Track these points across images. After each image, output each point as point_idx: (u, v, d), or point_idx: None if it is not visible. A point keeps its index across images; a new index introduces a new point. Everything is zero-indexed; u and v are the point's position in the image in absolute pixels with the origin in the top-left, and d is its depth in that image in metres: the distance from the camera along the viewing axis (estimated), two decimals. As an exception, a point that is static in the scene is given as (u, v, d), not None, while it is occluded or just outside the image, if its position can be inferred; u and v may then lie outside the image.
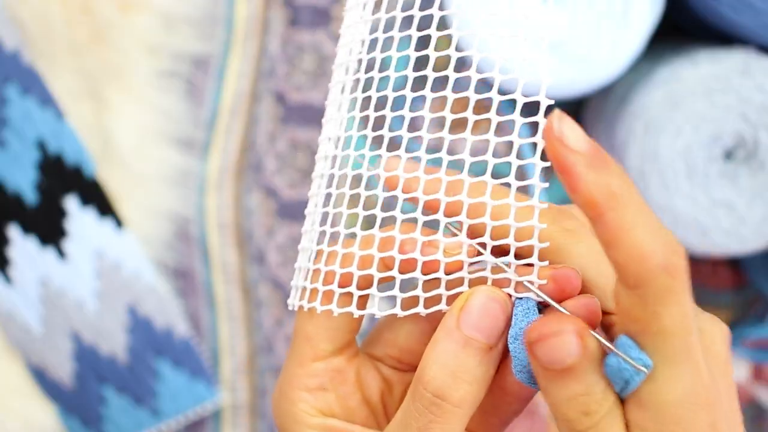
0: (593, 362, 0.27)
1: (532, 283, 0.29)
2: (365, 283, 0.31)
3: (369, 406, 0.34)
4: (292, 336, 0.33)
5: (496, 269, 0.30)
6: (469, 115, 0.30)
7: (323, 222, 0.33)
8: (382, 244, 0.31)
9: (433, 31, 0.31)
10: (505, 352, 0.30)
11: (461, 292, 0.30)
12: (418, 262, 0.30)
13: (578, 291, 0.29)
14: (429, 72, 0.31)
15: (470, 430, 0.32)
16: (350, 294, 0.31)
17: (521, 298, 0.29)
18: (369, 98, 0.32)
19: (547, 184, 0.28)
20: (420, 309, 0.31)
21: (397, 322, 0.34)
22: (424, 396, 0.29)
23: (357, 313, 0.31)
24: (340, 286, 0.31)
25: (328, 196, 0.33)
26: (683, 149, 0.54)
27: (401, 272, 0.30)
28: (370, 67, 0.32)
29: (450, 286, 0.31)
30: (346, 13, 0.34)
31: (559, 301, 0.29)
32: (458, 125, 0.33)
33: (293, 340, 0.33)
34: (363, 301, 0.32)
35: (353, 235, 0.32)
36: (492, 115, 0.30)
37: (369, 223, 0.32)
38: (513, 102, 0.30)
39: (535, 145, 0.28)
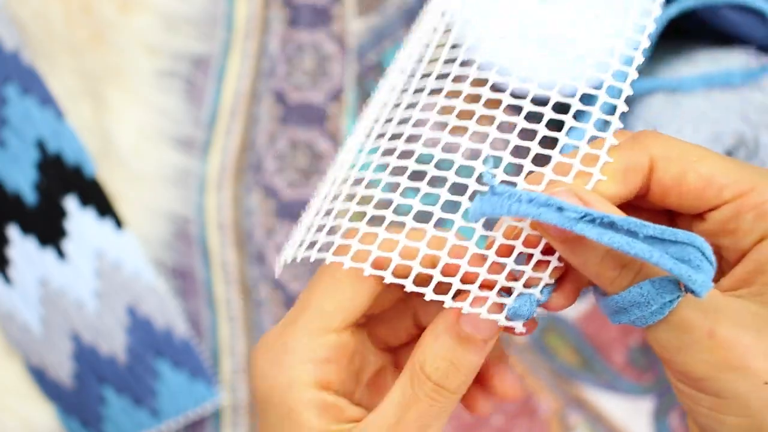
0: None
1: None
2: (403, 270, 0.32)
3: (356, 377, 0.35)
4: (298, 304, 0.34)
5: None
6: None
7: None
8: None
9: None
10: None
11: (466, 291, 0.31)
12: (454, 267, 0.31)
13: None
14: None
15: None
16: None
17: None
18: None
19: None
20: (429, 291, 0.32)
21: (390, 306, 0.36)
22: (426, 384, 0.32)
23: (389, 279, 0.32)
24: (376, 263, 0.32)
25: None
26: (683, 149, 0.54)
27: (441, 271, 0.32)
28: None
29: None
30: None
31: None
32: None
33: (301, 309, 0.33)
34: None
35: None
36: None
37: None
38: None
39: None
